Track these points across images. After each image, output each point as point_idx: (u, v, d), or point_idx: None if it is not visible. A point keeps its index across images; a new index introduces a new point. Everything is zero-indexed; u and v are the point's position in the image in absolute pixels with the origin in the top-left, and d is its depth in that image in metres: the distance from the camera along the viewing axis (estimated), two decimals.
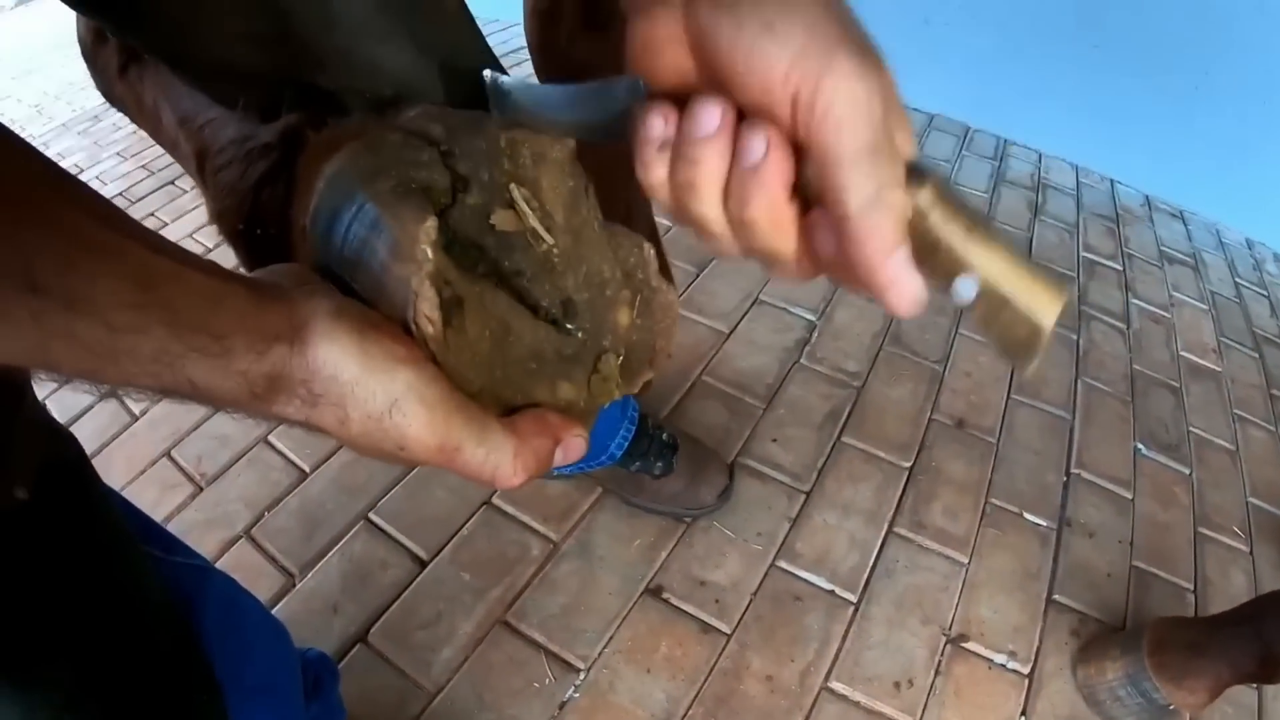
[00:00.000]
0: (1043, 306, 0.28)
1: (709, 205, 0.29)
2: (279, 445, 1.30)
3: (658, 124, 0.29)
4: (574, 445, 0.36)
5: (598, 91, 0.33)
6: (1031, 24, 2.15)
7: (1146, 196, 2.25)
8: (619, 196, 0.39)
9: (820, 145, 0.26)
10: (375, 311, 0.32)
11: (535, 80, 0.37)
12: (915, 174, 0.27)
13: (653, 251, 0.41)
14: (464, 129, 0.36)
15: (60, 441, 0.47)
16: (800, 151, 0.27)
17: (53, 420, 0.48)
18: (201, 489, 1.24)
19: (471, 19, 0.47)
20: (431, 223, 0.31)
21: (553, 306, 0.37)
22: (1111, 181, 2.28)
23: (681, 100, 0.29)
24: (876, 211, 0.26)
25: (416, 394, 0.30)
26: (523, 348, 0.35)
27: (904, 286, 0.27)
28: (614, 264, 0.40)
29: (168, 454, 1.29)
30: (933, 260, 0.28)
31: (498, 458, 0.32)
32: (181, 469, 1.27)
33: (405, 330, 0.31)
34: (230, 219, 0.47)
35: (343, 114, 0.43)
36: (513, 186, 0.36)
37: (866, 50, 0.26)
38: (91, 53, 0.54)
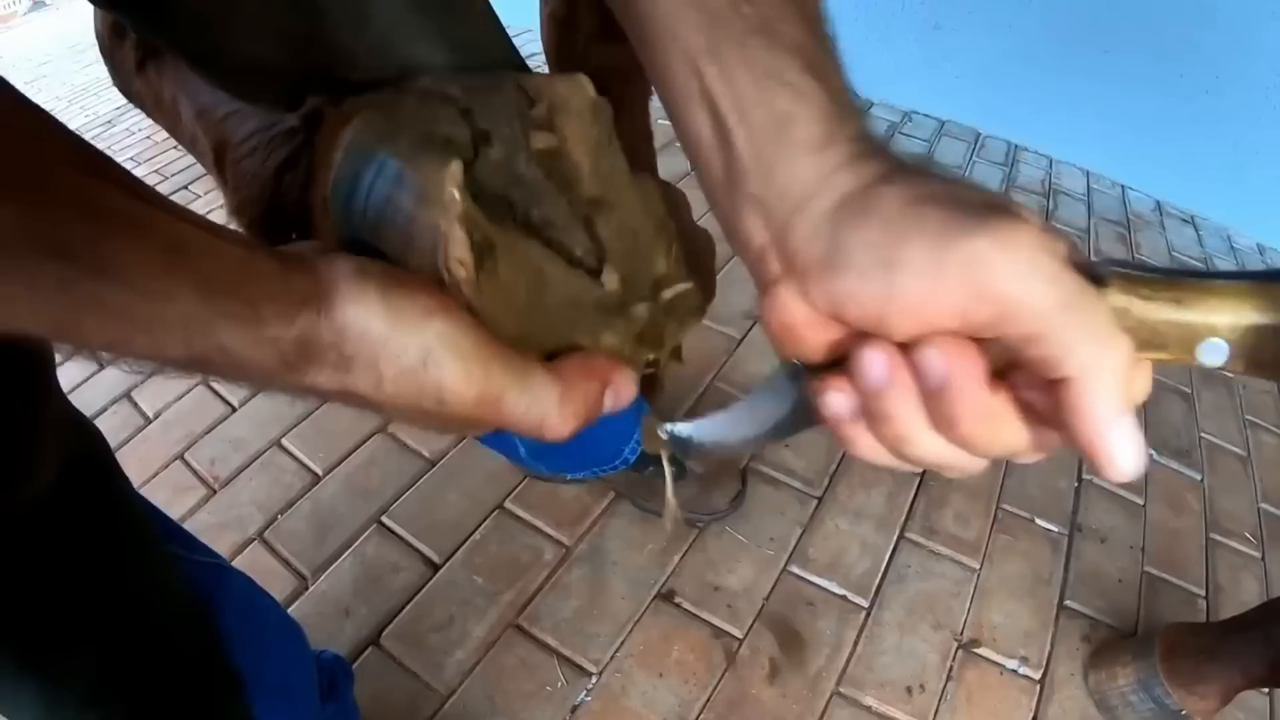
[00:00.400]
0: None
1: (929, 446, 0.27)
2: (291, 448, 1.31)
3: (837, 400, 0.27)
4: (625, 388, 0.34)
5: (766, 395, 0.31)
6: (1042, 29, 2.15)
7: (1158, 202, 2.25)
8: (622, 141, 0.38)
9: (1019, 334, 0.23)
10: (401, 268, 0.30)
11: (703, 417, 0.36)
12: (1092, 277, 0.25)
13: (684, 197, 0.40)
14: (482, 87, 0.35)
15: (85, 435, 0.47)
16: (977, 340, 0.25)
17: (78, 413, 0.47)
18: (214, 491, 1.25)
19: (496, 18, 0.47)
20: (456, 165, 0.29)
21: (587, 256, 0.34)
22: (1123, 187, 2.28)
23: (843, 360, 0.27)
24: (1101, 374, 0.23)
25: (450, 343, 0.28)
26: (560, 295, 0.33)
27: (1123, 458, 0.23)
28: (645, 212, 0.38)
29: (180, 456, 1.30)
30: (1163, 346, 0.25)
31: (543, 406, 0.30)
32: (194, 471, 1.28)
33: (436, 281, 0.30)
34: (251, 207, 0.46)
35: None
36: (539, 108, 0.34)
37: (991, 213, 0.24)
38: (109, 49, 0.53)
